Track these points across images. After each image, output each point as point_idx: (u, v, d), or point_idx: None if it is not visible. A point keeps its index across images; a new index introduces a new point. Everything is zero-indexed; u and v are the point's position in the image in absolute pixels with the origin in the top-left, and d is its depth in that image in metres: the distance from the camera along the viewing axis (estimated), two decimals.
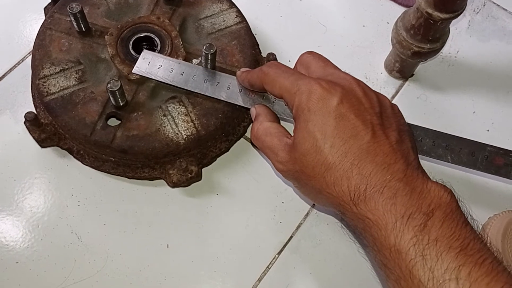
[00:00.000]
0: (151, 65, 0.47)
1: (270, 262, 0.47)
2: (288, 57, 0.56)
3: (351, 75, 0.40)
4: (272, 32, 0.58)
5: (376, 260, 0.35)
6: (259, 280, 0.46)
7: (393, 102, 0.41)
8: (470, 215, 0.35)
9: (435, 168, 0.49)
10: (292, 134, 0.40)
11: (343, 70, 0.41)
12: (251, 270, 0.47)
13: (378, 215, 0.34)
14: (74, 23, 0.49)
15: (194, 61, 0.50)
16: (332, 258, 0.48)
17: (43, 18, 0.54)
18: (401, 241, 0.33)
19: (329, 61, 0.42)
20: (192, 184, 0.49)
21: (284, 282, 0.46)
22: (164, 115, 0.47)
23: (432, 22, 0.46)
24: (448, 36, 0.50)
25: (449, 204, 0.34)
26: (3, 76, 0.54)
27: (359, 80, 0.40)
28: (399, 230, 0.33)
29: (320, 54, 0.43)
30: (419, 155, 0.39)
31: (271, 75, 0.41)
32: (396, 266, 0.33)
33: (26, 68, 0.53)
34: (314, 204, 0.50)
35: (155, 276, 0.46)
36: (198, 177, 0.47)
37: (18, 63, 0.54)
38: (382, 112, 0.38)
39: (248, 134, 0.52)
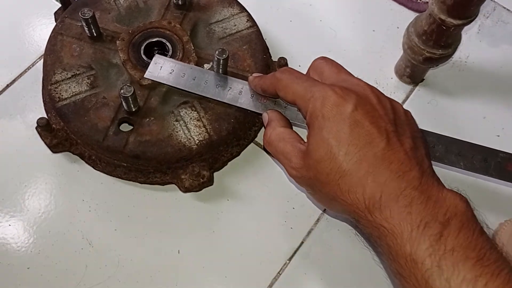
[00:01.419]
0: (162, 70, 0.47)
1: (281, 268, 0.47)
2: (298, 62, 0.56)
3: (364, 81, 0.40)
4: (282, 36, 0.58)
5: (391, 268, 0.35)
6: (270, 286, 0.46)
7: (403, 107, 0.41)
8: (486, 224, 0.35)
9: (446, 174, 0.48)
10: (305, 140, 0.40)
11: (355, 76, 0.41)
12: (262, 276, 0.47)
13: (394, 223, 0.34)
14: (86, 29, 0.49)
15: (206, 66, 0.50)
16: (343, 264, 0.47)
17: (53, 23, 0.54)
18: (417, 250, 0.33)
19: (342, 67, 0.42)
20: (203, 189, 0.48)
21: None
22: (177, 120, 0.47)
23: (444, 28, 0.46)
24: (460, 42, 0.50)
25: (465, 213, 0.34)
26: (14, 81, 0.54)
27: (373, 87, 0.40)
28: (414, 239, 0.33)
29: (333, 60, 0.43)
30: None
31: (284, 81, 0.41)
32: (411, 275, 0.33)
33: (36, 73, 0.53)
34: (325, 210, 0.49)
35: (166, 281, 0.46)
36: (210, 181, 0.47)
37: (29, 68, 0.54)
38: (396, 119, 0.38)
39: (258, 138, 0.52)
